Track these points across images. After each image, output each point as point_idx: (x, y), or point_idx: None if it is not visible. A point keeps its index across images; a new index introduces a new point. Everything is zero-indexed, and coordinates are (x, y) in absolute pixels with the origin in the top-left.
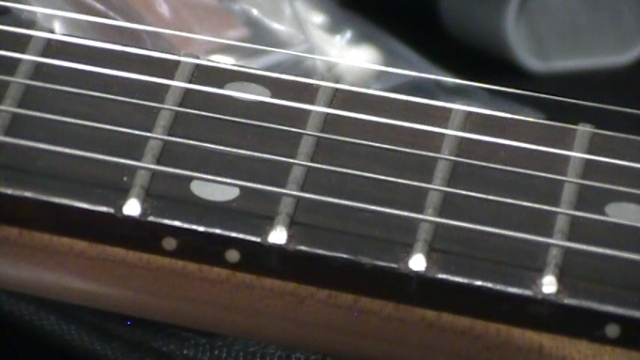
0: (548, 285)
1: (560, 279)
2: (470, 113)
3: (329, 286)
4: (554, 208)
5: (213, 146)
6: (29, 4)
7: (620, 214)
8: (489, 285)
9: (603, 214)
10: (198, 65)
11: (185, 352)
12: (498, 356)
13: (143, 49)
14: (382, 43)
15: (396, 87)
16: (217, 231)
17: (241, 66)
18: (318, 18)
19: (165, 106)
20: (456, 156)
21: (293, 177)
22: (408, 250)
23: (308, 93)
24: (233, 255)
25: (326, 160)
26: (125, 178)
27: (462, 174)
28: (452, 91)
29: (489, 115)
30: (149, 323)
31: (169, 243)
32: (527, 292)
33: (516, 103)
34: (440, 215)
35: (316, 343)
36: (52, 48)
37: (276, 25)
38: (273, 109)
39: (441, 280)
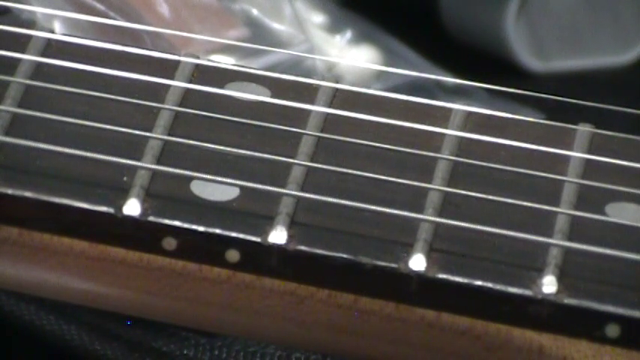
0: (548, 285)
1: (560, 279)
2: (470, 113)
3: (329, 286)
4: (554, 208)
5: (213, 146)
6: (29, 4)
7: (620, 214)
8: (489, 285)
9: (603, 214)
10: (198, 65)
11: (185, 352)
12: (498, 356)
13: (143, 49)
14: (382, 43)
15: (396, 87)
16: (217, 231)
17: (241, 66)
18: (318, 18)
19: (166, 106)
20: (456, 156)
21: (293, 177)
22: (408, 250)
23: (308, 93)
24: (233, 255)
25: (326, 160)
26: (125, 178)
27: (462, 174)
28: (452, 91)
29: (489, 115)
30: (149, 323)
31: (169, 243)
32: (527, 292)
33: (516, 103)
34: (440, 215)
35: (316, 343)
36: (52, 48)
37: (276, 25)
38: (273, 109)
39: (441, 280)
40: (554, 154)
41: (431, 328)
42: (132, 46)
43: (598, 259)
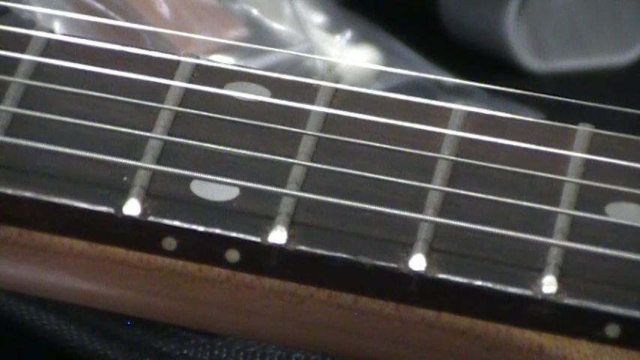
0: (548, 285)
1: (560, 279)
2: (470, 113)
3: (329, 286)
4: (554, 208)
5: (213, 146)
6: (29, 4)
7: (620, 214)
8: (489, 285)
9: (603, 214)
10: (198, 65)
11: (185, 352)
12: (498, 356)
13: (143, 49)
14: (382, 43)
15: (396, 87)
16: (217, 231)
17: (241, 66)
18: (318, 18)
19: (165, 106)
20: (456, 156)
21: (293, 177)
22: (408, 250)
23: (308, 93)
24: (233, 255)
25: (326, 160)
26: (125, 178)
27: (462, 174)
28: (452, 91)
29: (489, 115)
30: (149, 323)
31: (169, 243)
32: (527, 292)
33: (516, 103)
34: (440, 215)
35: (316, 343)
36: (52, 48)
37: (276, 25)
38: (273, 109)
39: (441, 280)
40: (554, 154)
41: (431, 328)
42: (132, 46)
43: (598, 259)
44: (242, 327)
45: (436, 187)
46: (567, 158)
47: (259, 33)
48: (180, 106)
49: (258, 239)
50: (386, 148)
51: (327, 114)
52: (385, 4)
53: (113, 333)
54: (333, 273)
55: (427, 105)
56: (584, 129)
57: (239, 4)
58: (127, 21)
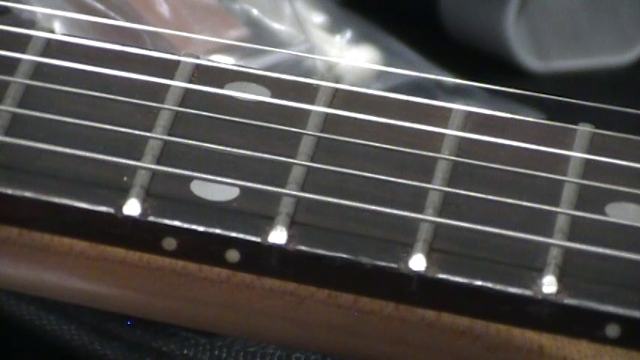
0: (548, 285)
1: (560, 279)
2: (470, 113)
3: (329, 286)
4: (554, 208)
5: (213, 146)
6: (29, 4)
7: (620, 214)
8: (489, 285)
9: (603, 214)
10: (198, 65)
11: (185, 352)
12: (498, 356)
13: (143, 49)
14: (382, 43)
15: (396, 87)
16: (217, 231)
17: (241, 66)
18: (318, 18)
19: (165, 106)
20: (456, 156)
21: (293, 177)
22: (408, 250)
23: (308, 93)
24: (233, 255)
25: (326, 160)
26: (125, 178)
27: (462, 174)
28: (452, 91)
29: (489, 115)
30: (149, 323)
31: (169, 243)
32: (527, 292)
33: (516, 103)
34: (440, 215)
35: (316, 343)
36: (52, 48)
37: (276, 25)
38: (273, 109)
39: (441, 280)
40: (554, 154)
41: (431, 328)
42: (132, 46)
43: (598, 259)
44: (242, 327)
45: (436, 187)
46: (567, 158)
47: (259, 33)
48: (180, 106)
49: (258, 239)
50: (386, 148)
51: (327, 114)
52: (385, 4)
53: (113, 333)
54: (333, 273)
55: (427, 105)
56: (584, 129)
57: (239, 4)
58: (127, 21)
